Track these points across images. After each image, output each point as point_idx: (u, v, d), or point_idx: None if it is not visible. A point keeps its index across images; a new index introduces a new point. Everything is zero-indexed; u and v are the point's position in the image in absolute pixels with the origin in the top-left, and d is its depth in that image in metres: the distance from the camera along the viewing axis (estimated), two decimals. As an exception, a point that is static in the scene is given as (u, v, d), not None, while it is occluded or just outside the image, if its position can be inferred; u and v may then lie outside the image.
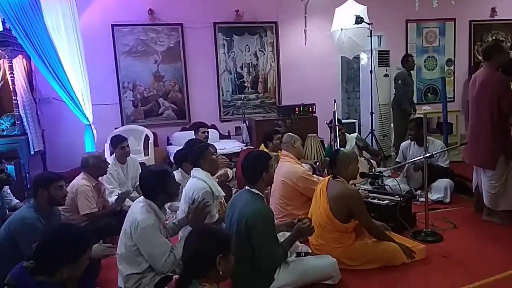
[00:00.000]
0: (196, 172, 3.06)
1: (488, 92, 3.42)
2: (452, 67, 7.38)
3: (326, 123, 5.05)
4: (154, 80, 6.27)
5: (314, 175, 3.67)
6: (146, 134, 5.70)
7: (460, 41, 7.35)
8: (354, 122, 6.81)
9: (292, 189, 3.41)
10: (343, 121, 5.58)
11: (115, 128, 5.71)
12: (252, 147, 5.35)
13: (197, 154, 3.10)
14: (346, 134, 5.09)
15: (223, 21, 6.39)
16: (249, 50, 6.56)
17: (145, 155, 5.50)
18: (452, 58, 7.35)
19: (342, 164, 2.95)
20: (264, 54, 6.62)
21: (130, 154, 4.27)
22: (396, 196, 3.70)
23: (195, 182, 2.98)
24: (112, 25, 6.02)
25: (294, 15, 6.57)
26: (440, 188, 4.27)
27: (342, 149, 3.31)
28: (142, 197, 2.47)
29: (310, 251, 2.86)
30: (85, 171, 3.48)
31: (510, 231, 3.39)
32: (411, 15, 6.83)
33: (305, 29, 6.51)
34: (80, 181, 3.41)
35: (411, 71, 6.19)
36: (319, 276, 2.56)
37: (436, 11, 6.73)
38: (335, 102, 4.80)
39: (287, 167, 3.47)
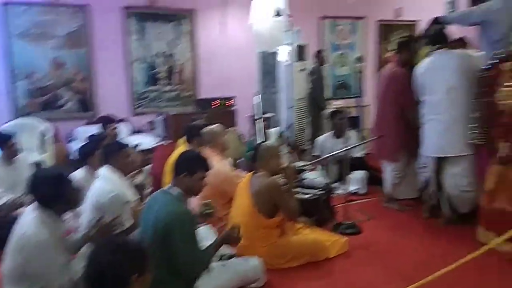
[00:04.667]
0: (105, 171, 2.69)
1: (392, 87, 3.61)
2: (362, 64, 7.75)
3: (249, 116, 4.93)
4: (53, 68, 5.54)
5: (237, 171, 3.51)
6: (44, 129, 4.99)
7: (370, 39, 7.75)
8: (270, 117, 6.77)
9: (216, 189, 3.20)
10: (265, 115, 5.49)
11: (6, 123, 4.92)
12: (169, 141, 5.01)
13: (109, 153, 2.75)
14: (267, 129, 5.03)
15: (135, 5, 5.90)
16: (164, 39, 6.15)
17: (42, 153, 4.81)
18: (363, 55, 7.72)
19: (263, 158, 2.84)
20: (180, 43, 6.26)
21: (20, 153, 3.68)
22: (317, 190, 3.70)
23: (102, 184, 2.62)
24: (4, 3, 5.19)
25: (212, 4, 6.30)
26: (357, 180, 4.40)
27: (263, 142, 3.19)
28: (35, 203, 2.06)
29: (234, 253, 2.69)
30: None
31: (419, 220, 3.58)
32: (325, 11, 7.02)
33: (223, 20, 6.29)
34: None
35: (323, 66, 6.39)
36: (245, 280, 2.41)
37: (348, 9, 7.02)
38: (256, 95, 4.69)
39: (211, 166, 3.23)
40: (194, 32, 6.29)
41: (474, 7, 3.36)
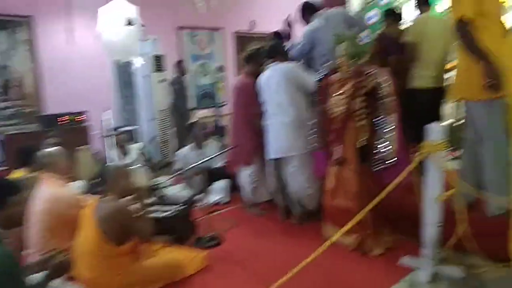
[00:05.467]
0: None
1: (242, 97, 3.77)
2: (223, 73, 7.94)
3: (99, 134, 4.56)
4: None
5: (89, 195, 3.18)
6: None
7: (228, 49, 7.98)
8: (133, 130, 6.45)
9: (59, 218, 2.82)
10: (122, 129, 5.16)
11: None
12: (5, 168, 4.33)
13: None
14: (127, 145, 4.72)
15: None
16: (-4, 48, 5.33)
17: None
18: (223, 65, 7.91)
19: (110, 180, 2.62)
20: (17, 54, 5.50)
21: None
22: (177, 205, 3.59)
23: None
24: None
25: (53, 10, 5.70)
26: (219, 189, 4.43)
27: (111, 163, 2.97)
28: None
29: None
30: None
31: (277, 222, 3.76)
32: (183, 22, 6.98)
33: (69, 27, 5.75)
34: None
35: (185, 76, 6.35)
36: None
37: (206, 20, 7.11)
38: (106, 109, 4.37)
39: (51, 192, 2.84)
40: (33, 41, 5.61)
41: (302, 33, 3.71)
